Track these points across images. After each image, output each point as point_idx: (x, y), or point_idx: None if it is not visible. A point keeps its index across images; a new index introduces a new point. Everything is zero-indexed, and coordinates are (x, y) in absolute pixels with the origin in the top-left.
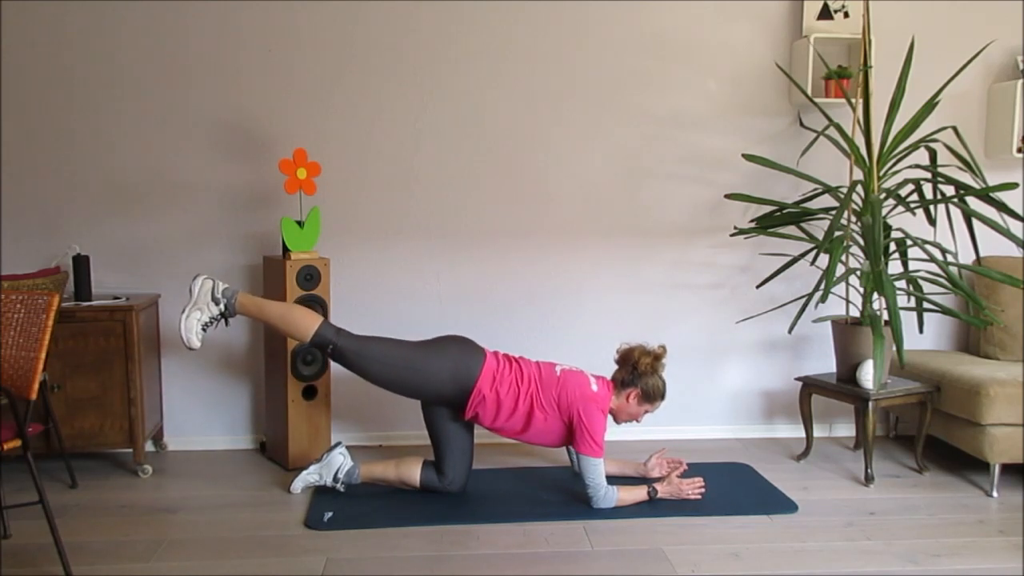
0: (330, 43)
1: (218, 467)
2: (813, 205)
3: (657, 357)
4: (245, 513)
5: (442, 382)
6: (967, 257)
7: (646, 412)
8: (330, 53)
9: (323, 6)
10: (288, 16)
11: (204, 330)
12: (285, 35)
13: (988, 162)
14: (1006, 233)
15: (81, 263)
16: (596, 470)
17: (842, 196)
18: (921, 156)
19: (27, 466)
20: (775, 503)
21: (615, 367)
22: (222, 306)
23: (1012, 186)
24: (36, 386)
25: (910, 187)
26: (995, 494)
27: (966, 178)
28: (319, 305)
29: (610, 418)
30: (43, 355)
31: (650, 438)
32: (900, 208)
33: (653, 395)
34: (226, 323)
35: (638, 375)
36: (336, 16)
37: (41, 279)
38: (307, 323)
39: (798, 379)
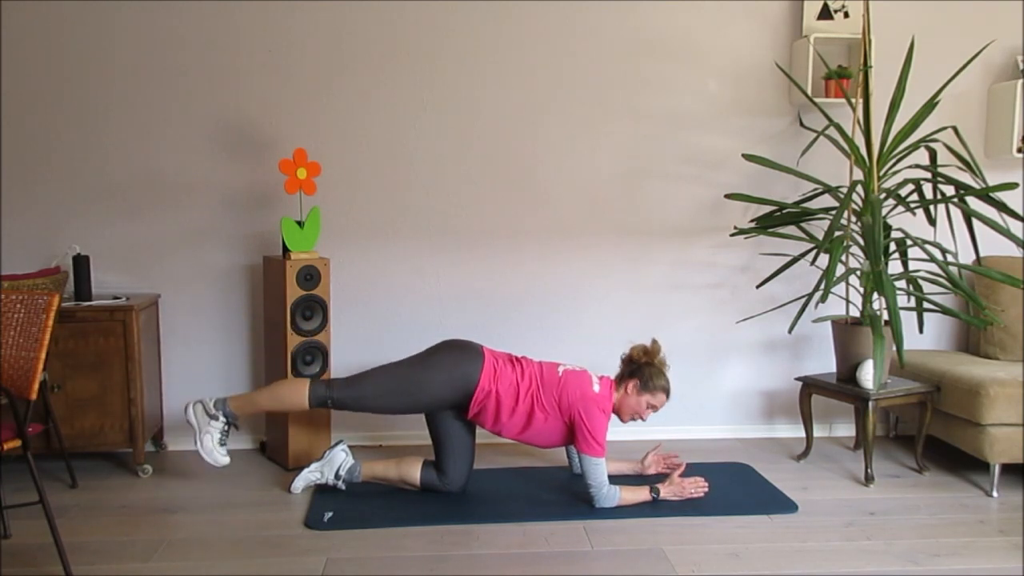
0: (329, 43)
1: (218, 467)
2: (813, 205)
3: (647, 351)
4: (245, 513)
5: (442, 393)
6: (967, 257)
7: (650, 408)
8: (329, 53)
9: (322, 7)
10: (287, 17)
11: (222, 444)
12: (284, 35)
13: (988, 162)
14: (1006, 233)
15: (81, 263)
16: (598, 469)
17: (842, 196)
18: (921, 156)
19: (27, 466)
20: (775, 503)
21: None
22: (221, 417)
23: (1012, 186)
24: (36, 386)
25: (910, 187)
26: (995, 494)
27: (966, 178)
28: (319, 305)
29: (614, 418)
30: (43, 355)
31: (651, 438)
32: (900, 208)
33: (650, 383)
34: (236, 428)
35: (635, 366)
36: (335, 16)
37: (41, 279)
38: (298, 391)
39: (798, 379)
